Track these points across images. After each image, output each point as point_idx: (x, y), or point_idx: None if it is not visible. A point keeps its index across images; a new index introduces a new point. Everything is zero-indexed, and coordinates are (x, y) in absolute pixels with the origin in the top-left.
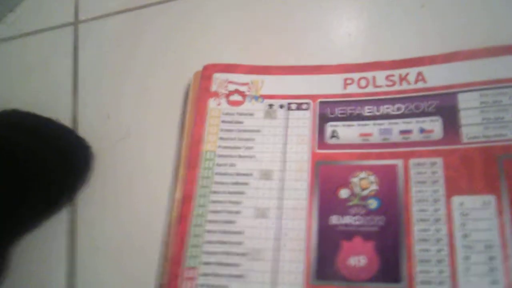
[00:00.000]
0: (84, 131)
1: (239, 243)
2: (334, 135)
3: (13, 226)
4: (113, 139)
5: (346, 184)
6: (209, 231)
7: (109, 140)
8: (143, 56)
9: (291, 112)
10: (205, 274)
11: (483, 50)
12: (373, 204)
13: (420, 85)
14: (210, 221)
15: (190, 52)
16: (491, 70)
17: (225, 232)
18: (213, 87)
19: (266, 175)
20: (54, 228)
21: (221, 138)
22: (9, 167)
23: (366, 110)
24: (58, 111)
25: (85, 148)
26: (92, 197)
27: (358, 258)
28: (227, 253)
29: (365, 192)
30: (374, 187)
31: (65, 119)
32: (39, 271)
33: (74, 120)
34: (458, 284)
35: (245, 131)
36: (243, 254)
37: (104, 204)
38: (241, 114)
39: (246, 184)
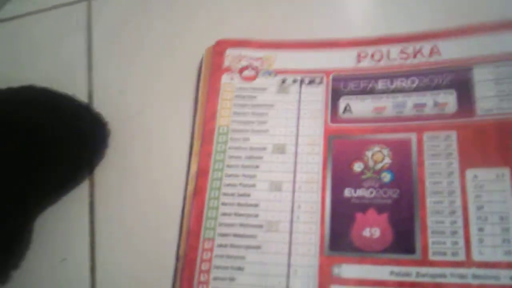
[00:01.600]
0: (100, 107)
1: (255, 216)
2: (347, 109)
3: (33, 200)
4: (128, 114)
5: (359, 157)
6: (224, 204)
7: (124, 116)
8: (156, 32)
9: (304, 86)
10: (222, 245)
11: (498, 24)
12: (386, 177)
13: (435, 58)
14: (225, 194)
15: (203, 27)
16: (506, 43)
17: (240, 204)
18: (226, 63)
19: (279, 149)
20: (75, 202)
21: (235, 113)
22: (27, 143)
23: (380, 84)
24: (74, 88)
25: (102, 124)
26: (110, 172)
27: (372, 230)
28: (243, 225)
29: (378, 166)
30: (387, 160)
31: (80, 95)
32: (62, 243)
33: (90, 96)
34: (472, 255)
35: (258, 106)
36: (259, 226)
37: (121, 178)
38: (254, 89)
39: (260, 158)
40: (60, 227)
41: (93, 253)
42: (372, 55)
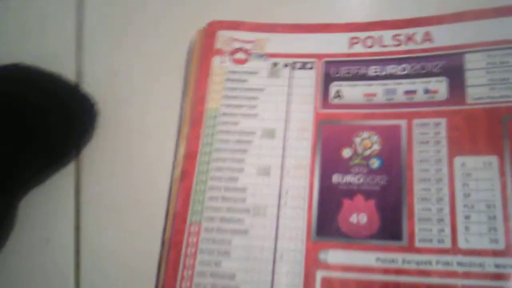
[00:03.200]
0: (89, 88)
1: (242, 200)
2: (338, 95)
3: (18, 180)
4: (118, 96)
5: (348, 143)
6: (211, 188)
7: (113, 97)
8: (148, 12)
9: (295, 71)
10: (209, 229)
11: (491, 10)
12: (375, 163)
13: (427, 45)
14: (213, 178)
15: (196, 8)
16: (499, 30)
17: (228, 189)
18: (217, 45)
19: (269, 133)
20: (60, 183)
21: (225, 96)
22: (12, 121)
23: (372, 70)
24: (63, 68)
25: (90, 105)
26: (97, 154)
27: (359, 215)
28: (230, 209)
29: (367, 152)
30: (376, 147)
31: (69, 76)
32: (47, 225)
33: (79, 76)
34: (458, 242)
35: (249, 89)
36: (246, 210)
37: (109, 160)
38: (245, 72)
39: (249, 142)
40: (45, 209)
41: (78, 235)
42: (365, 41)
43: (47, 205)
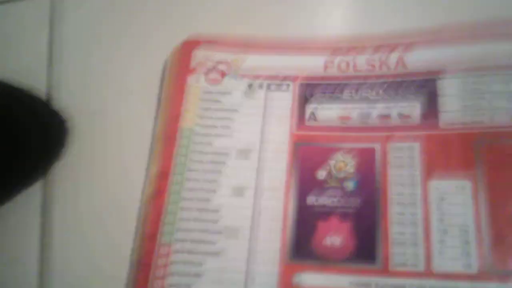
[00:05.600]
0: (60, 104)
1: (215, 221)
2: (313, 116)
3: None
4: (89, 113)
5: (324, 165)
6: (183, 208)
7: (85, 114)
8: (121, 27)
9: (270, 92)
10: (180, 251)
11: (465, 36)
12: (349, 186)
13: (400, 70)
14: (185, 199)
15: (170, 23)
16: (472, 56)
17: (200, 210)
18: (192, 64)
19: (243, 154)
20: (27, 202)
21: (199, 116)
22: None
23: (346, 93)
24: (33, 83)
25: (61, 122)
26: (67, 172)
27: (333, 238)
28: (203, 231)
29: (342, 174)
30: (351, 169)
31: (41, 90)
32: (11, 245)
33: (49, 91)
34: (432, 266)
35: (223, 110)
36: (218, 232)
37: (78, 179)
38: (219, 92)
39: (223, 163)
40: (10, 228)
41: (43, 255)
42: (339, 65)
43: (12, 224)
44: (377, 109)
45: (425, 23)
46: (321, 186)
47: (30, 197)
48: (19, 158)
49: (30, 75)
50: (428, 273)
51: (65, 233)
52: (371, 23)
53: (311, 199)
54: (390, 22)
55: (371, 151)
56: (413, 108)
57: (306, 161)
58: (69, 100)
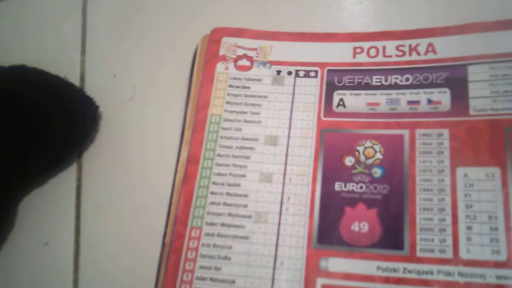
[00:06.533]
0: (92, 90)
1: (244, 206)
2: (341, 103)
3: (19, 181)
4: (120, 100)
5: (351, 152)
6: (213, 193)
7: (116, 100)
8: (152, 17)
9: (298, 79)
10: (210, 234)
11: (494, 23)
12: (377, 172)
13: (430, 56)
14: (215, 183)
15: (199, 15)
16: (502, 43)
17: (229, 194)
18: (221, 51)
19: (271, 140)
20: (62, 185)
21: (228, 103)
22: (15, 122)
23: (374, 80)
24: (66, 70)
25: (93, 107)
26: (99, 157)
27: (360, 224)
28: (232, 215)
29: (369, 161)
30: (379, 156)
31: (73, 78)
32: (47, 227)
33: (82, 79)
34: (459, 253)
35: (252, 96)
36: (247, 216)
37: (110, 163)
38: (248, 79)
39: (251, 148)
40: (46, 210)
41: (78, 237)
42: (368, 50)
43: (48, 206)
44: (406, 95)
45: (455, 11)
46: (348, 173)
47: (65, 180)
48: (52, 141)
49: (64, 62)
50: (456, 260)
51: (99, 215)
52: (400, 13)
53: (338, 186)
54: (420, 11)
55: (400, 138)
56: (443, 94)
57: (334, 147)
58: (102, 88)
